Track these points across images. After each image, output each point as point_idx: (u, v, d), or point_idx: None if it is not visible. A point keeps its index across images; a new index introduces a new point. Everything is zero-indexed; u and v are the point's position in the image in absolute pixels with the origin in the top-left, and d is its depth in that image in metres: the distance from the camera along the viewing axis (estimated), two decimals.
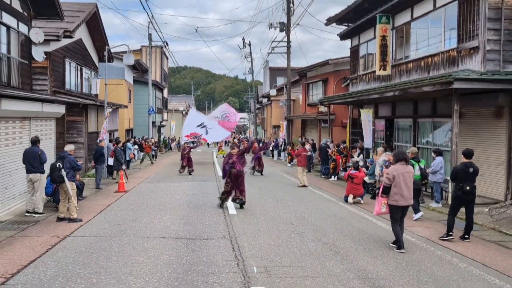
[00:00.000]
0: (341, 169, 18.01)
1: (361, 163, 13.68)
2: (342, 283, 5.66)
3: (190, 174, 19.06)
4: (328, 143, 19.54)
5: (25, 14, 13.28)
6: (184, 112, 58.53)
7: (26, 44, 13.34)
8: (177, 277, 5.80)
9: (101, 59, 20.95)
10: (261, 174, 18.91)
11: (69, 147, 10.03)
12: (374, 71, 16.91)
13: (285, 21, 29.29)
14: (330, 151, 18.49)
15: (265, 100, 47.11)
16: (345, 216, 10.20)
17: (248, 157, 15.47)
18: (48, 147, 12.88)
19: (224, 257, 6.69)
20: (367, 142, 17.34)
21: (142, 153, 25.89)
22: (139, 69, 33.96)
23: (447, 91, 11.10)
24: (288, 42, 29.63)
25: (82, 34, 18.44)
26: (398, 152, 8.02)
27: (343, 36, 20.75)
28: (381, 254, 7.05)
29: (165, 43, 34.17)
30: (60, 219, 9.24)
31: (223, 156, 30.47)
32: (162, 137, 41.86)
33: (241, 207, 10.84)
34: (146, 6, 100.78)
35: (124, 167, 16.08)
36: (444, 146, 13.15)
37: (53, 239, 7.76)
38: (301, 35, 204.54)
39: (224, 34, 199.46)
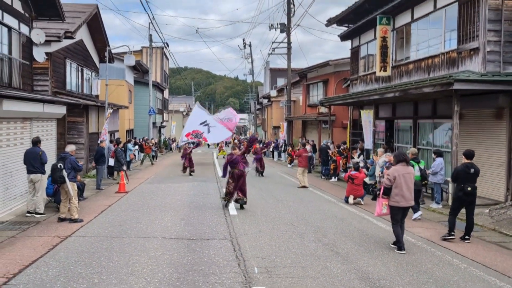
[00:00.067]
0: (342, 170, 18.03)
1: (361, 164, 13.70)
2: (343, 284, 5.68)
3: (190, 174, 19.08)
4: (329, 144, 19.56)
5: (26, 15, 13.31)
6: (184, 113, 58.61)
7: (27, 45, 13.37)
8: (179, 277, 5.82)
9: (102, 60, 20.99)
10: (262, 175, 18.92)
11: (70, 148, 10.05)
12: (375, 72, 16.94)
13: (286, 22, 29.32)
14: (330, 152, 18.51)
15: (265, 101, 47.16)
16: (346, 217, 10.22)
17: (250, 158, 15.46)
18: (49, 148, 12.91)
19: (225, 258, 6.71)
20: (368, 143, 17.36)
21: (142, 154, 25.92)
22: (139, 70, 34.00)
23: (447, 92, 11.12)
24: (289, 43, 29.65)
25: (83, 35, 18.48)
26: (398, 153, 8.04)
27: (343, 37, 20.77)
28: (381, 254, 7.07)
29: (165, 44, 34.22)
30: (61, 220, 9.26)
31: (223, 157, 30.55)
32: (162, 137, 41.88)
33: (242, 207, 10.86)
34: (147, 7, 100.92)
35: (124, 167, 16.10)
36: (444, 147, 13.16)
37: (54, 239, 7.78)
38: (302, 36, 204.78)
39: (225, 35, 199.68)
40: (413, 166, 8.97)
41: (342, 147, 18.61)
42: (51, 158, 12.36)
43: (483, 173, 9.11)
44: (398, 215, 7.39)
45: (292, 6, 28.83)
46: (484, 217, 9.82)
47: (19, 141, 10.90)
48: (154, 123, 34.14)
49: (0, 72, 11.61)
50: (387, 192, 7.37)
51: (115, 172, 16.92)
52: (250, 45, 51.43)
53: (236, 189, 10.84)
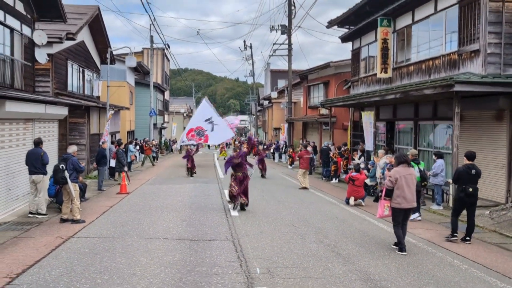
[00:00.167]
0: (342, 171, 18.06)
1: (362, 166, 13.73)
2: (344, 284, 5.71)
3: (191, 176, 19.10)
4: (330, 145, 19.59)
5: (29, 16, 13.37)
6: (185, 114, 58.65)
7: (29, 46, 13.43)
8: (181, 277, 5.85)
9: (103, 61, 21.06)
10: (262, 176, 18.88)
11: (72, 149, 10.08)
12: (375, 74, 16.98)
13: (287, 24, 29.38)
14: (331, 153, 18.54)
15: (266, 103, 47.21)
16: (347, 218, 10.25)
17: (252, 160, 15.48)
18: (51, 149, 12.95)
19: (227, 258, 6.74)
20: (368, 145, 17.39)
21: (143, 155, 25.97)
22: (140, 71, 34.05)
23: (448, 94, 11.16)
24: (290, 44, 29.70)
25: (84, 36, 18.54)
26: (400, 154, 8.07)
27: (344, 39, 20.82)
28: (382, 255, 7.10)
29: (166, 46, 34.28)
30: (63, 220, 9.30)
31: (224, 158, 30.56)
32: (163, 139, 41.93)
33: (243, 209, 10.87)
34: (148, 9, 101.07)
35: (126, 168, 16.14)
36: (445, 149, 13.19)
37: (56, 240, 7.82)
38: (302, 38, 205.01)
39: (226, 36, 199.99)
40: (412, 167, 9.01)
41: (343, 149, 18.64)
42: (53, 159, 12.40)
43: (484, 174, 9.14)
44: (399, 217, 7.41)
45: (293, 7, 28.90)
46: (484, 219, 9.85)
47: (21, 142, 10.94)
48: (155, 124, 34.17)
49: (2, 73, 11.66)
50: (389, 193, 7.40)
51: (117, 173, 16.96)
52: (251, 47, 51.57)
53: (240, 192, 10.82)
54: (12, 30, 12.20)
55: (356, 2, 17.37)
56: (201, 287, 5.51)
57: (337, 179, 17.76)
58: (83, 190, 11.87)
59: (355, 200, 12.13)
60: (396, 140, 17.00)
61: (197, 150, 22.36)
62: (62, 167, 9.32)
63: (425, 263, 6.77)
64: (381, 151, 13.67)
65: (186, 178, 18.26)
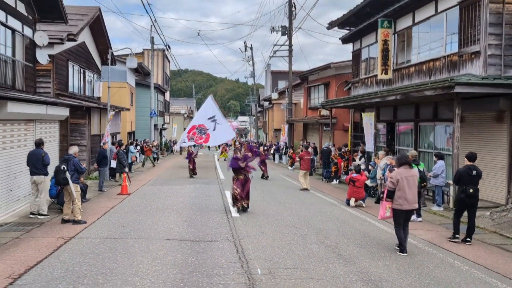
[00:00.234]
0: (343, 172, 18.08)
1: (362, 167, 13.75)
2: (345, 285, 5.72)
3: (192, 177, 19.10)
4: (330, 146, 19.61)
5: (30, 17, 13.40)
6: (185, 115, 58.69)
7: (31, 47, 13.46)
8: (183, 278, 5.87)
9: (104, 62, 21.09)
10: (262, 177, 18.88)
11: (73, 150, 10.10)
12: (376, 75, 17.01)
13: (287, 25, 29.42)
14: (332, 154, 18.56)
15: (266, 104, 47.25)
16: (347, 219, 10.26)
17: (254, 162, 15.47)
18: (52, 150, 12.96)
19: (228, 259, 6.76)
20: (369, 146, 17.41)
21: (143, 156, 25.99)
22: (141, 72, 34.08)
23: (448, 95, 11.18)
24: (290, 45, 29.74)
25: (85, 37, 18.58)
26: (401, 155, 8.08)
27: (345, 40, 20.85)
28: (383, 256, 7.11)
29: (167, 47, 34.32)
30: (64, 221, 9.31)
31: (224, 160, 30.57)
32: (163, 140, 41.96)
33: (244, 210, 10.88)
34: (149, 10, 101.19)
35: (126, 169, 16.15)
36: (445, 150, 13.21)
37: (58, 240, 7.83)
38: (303, 39, 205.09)
39: (226, 37, 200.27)
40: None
41: (343, 150, 18.66)
42: (54, 159, 12.42)
43: (484, 176, 9.15)
44: (400, 218, 7.42)
45: (293, 9, 28.94)
46: (485, 220, 9.86)
47: (22, 143, 10.96)
48: (155, 125, 34.18)
49: (4, 74, 11.68)
50: (391, 195, 7.40)
51: (117, 174, 16.97)
52: (251, 48, 51.68)
53: (242, 194, 10.81)
54: (13, 31, 12.23)
55: (356, 4, 17.42)
56: None
57: (338, 180, 17.78)
58: (84, 191, 11.89)
59: (356, 201, 12.15)
60: (397, 141, 17.03)
61: (196, 154, 22.32)
62: (64, 168, 9.34)
63: (426, 264, 6.79)
64: (381, 152, 13.70)
65: (187, 179, 18.29)
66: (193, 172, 19.28)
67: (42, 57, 13.93)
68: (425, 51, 14.25)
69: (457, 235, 8.25)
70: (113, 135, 21.97)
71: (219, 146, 33.66)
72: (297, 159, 19.22)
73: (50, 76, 15.00)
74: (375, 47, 17.53)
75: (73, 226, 9.03)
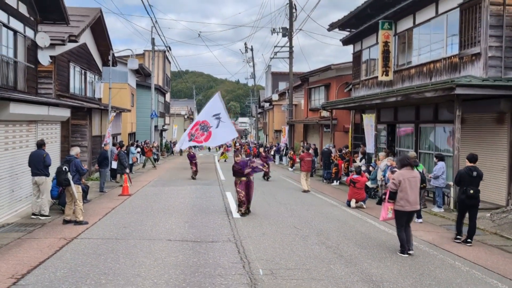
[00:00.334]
0: (343, 173, 18.10)
1: (363, 168, 13.77)
2: (347, 286, 5.75)
3: (193, 178, 19.12)
4: (331, 147, 19.64)
5: (32, 18, 13.44)
6: (186, 116, 58.73)
7: (32, 48, 13.50)
8: (185, 278, 5.89)
9: (105, 63, 21.14)
10: (263, 177, 18.90)
11: (75, 151, 10.14)
12: (377, 77, 17.04)
13: (288, 26, 29.48)
14: (332, 155, 18.58)
15: (267, 105, 47.30)
16: (348, 220, 10.29)
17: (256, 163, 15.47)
18: (53, 151, 13.00)
19: (230, 260, 6.78)
20: (369, 147, 17.43)
21: (144, 157, 26.02)
22: (142, 73, 34.15)
23: (449, 97, 11.21)
24: (291, 47, 29.79)
25: (86, 38, 18.62)
26: (403, 157, 8.11)
27: (345, 42, 20.89)
28: (384, 257, 7.14)
29: (168, 48, 34.37)
30: (66, 222, 9.35)
31: (225, 161, 30.58)
32: (164, 141, 42.01)
33: (245, 211, 10.88)
34: (150, 11, 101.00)
35: (127, 170, 16.18)
36: (446, 152, 13.24)
37: (60, 241, 7.86)
38: (303, 40, 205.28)
39: (226, 38, 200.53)
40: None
41: (344, 151, 18.68)
42: (55, 160, 12.46)
43: (485, 177, 9.18)
44: (402, 220, 7.43)
45: (294, 10, 29.00)
46: (485, 221, 9.89)
47: (24, 144, 10.99)
48: (156, 127, 34.24)
49: (6, 75, 11.72)
50: (393, 196, 7.42)
51: (118, 175, 17.00)
52: (251, 49, 51.78)
53: (247, 197, 10.77)
54: (15, 32, 12.27)
55: (357, 5, 17.47)
56: None
57: (338, 181, 17.80)
58: (85, 191, 11.92)
59: (356, 202, 12.18)
60: (397, 142, 17.06)
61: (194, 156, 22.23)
62: (65, 169, 9.37)
63: (427, 265, 6.82)
64: (382, 154, 13.72)
65: (188, 180, 18.32)
66: (195, 174, 19.29)
67: (44, 58, 13.96)
68: (426, 53, 14.29)
69: (458, 236, 8.29)
70: (114, 136, 22.01)
71: (219, 147, 33.66)
72: (298, 160, 19.24)
73: (52, 77, 15.03)
74: (375, 49, 17.57)
75: (75, 226, 9.06)
